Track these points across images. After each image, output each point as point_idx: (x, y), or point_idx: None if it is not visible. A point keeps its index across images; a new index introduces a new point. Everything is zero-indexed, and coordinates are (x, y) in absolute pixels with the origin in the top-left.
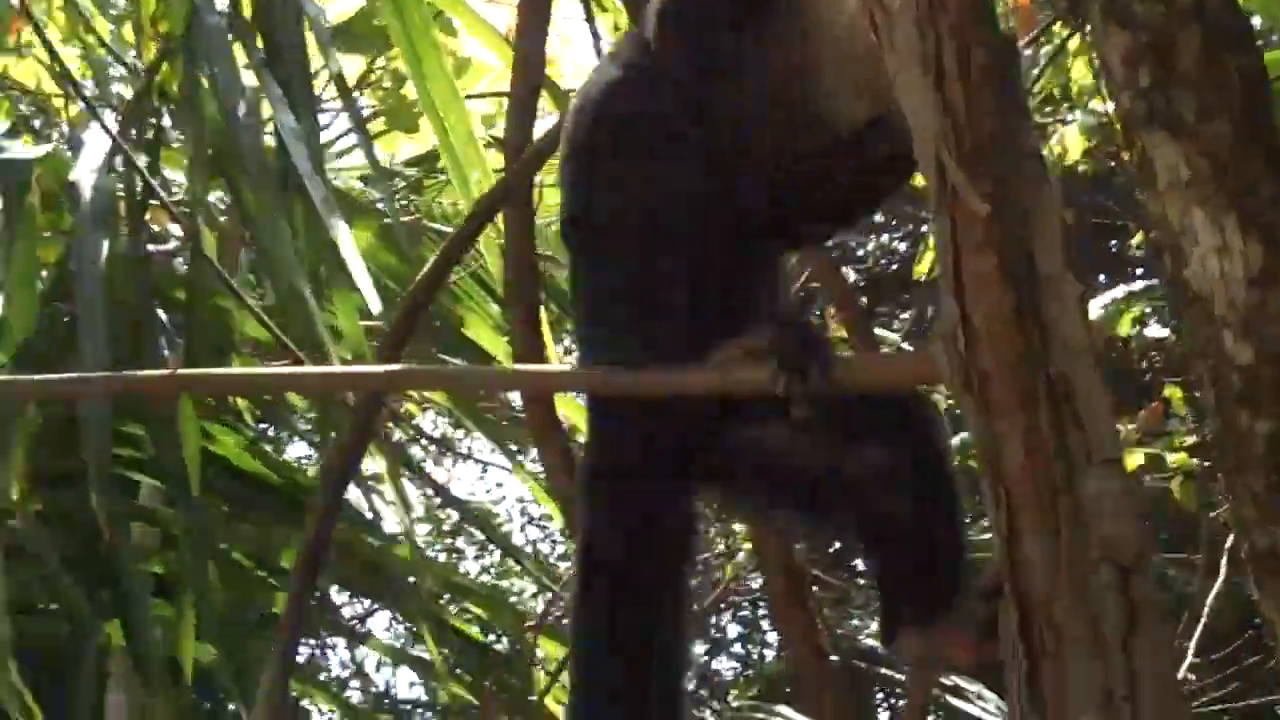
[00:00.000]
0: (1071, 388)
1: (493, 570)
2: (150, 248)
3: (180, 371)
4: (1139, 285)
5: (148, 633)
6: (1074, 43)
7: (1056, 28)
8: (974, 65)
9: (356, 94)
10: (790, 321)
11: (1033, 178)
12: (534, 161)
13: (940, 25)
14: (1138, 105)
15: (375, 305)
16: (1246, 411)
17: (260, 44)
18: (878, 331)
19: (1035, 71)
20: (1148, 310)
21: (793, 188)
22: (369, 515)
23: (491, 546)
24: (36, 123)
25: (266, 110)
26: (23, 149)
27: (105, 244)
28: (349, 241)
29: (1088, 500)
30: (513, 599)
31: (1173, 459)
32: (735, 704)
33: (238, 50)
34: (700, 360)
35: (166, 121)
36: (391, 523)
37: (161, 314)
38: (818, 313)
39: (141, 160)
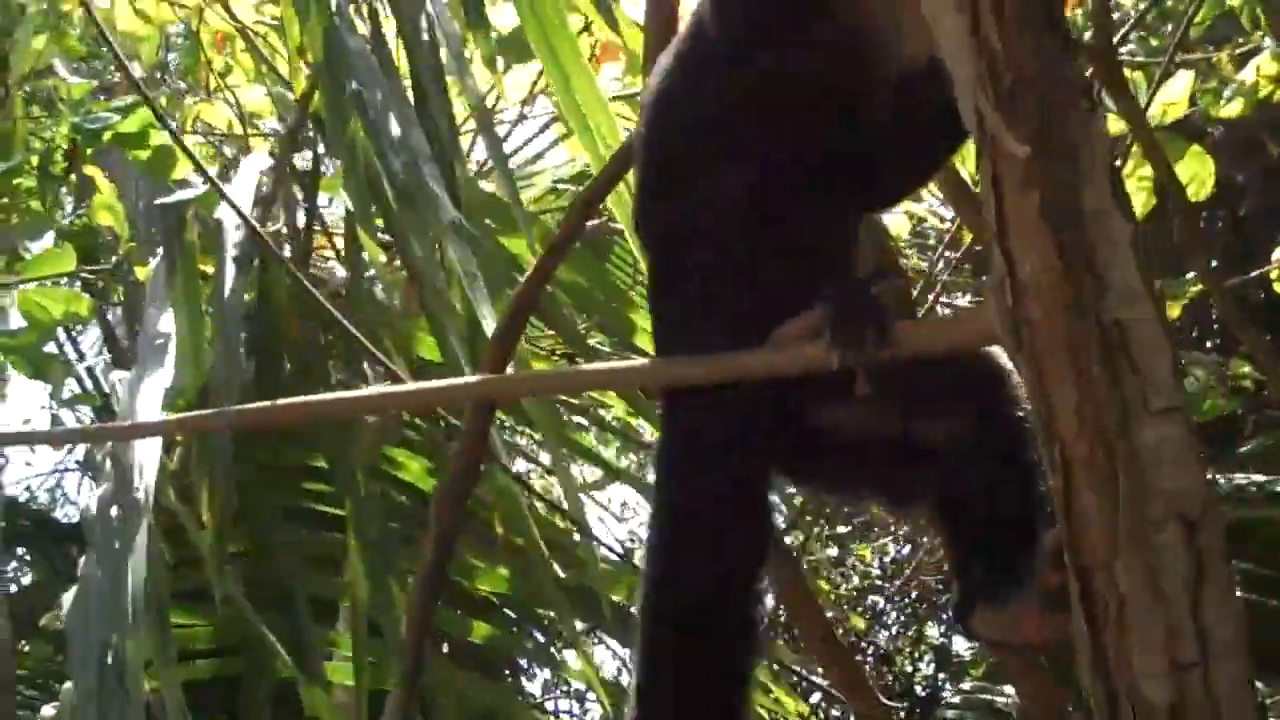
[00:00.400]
0: (1126, 334)
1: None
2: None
3: (281, 402)
4: None
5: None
6: None
7: None
8: (1009, 5)
9: (531, 103)
10: (845, 289)
11: (1078, 115)
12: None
13: None
14: None
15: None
16: None
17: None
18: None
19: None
20: None
21: (860, 139)
22: None
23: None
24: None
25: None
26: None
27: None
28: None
29: (1146, 450)
30: None
31: None
32: (968, 686)
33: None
34: (762, 341)
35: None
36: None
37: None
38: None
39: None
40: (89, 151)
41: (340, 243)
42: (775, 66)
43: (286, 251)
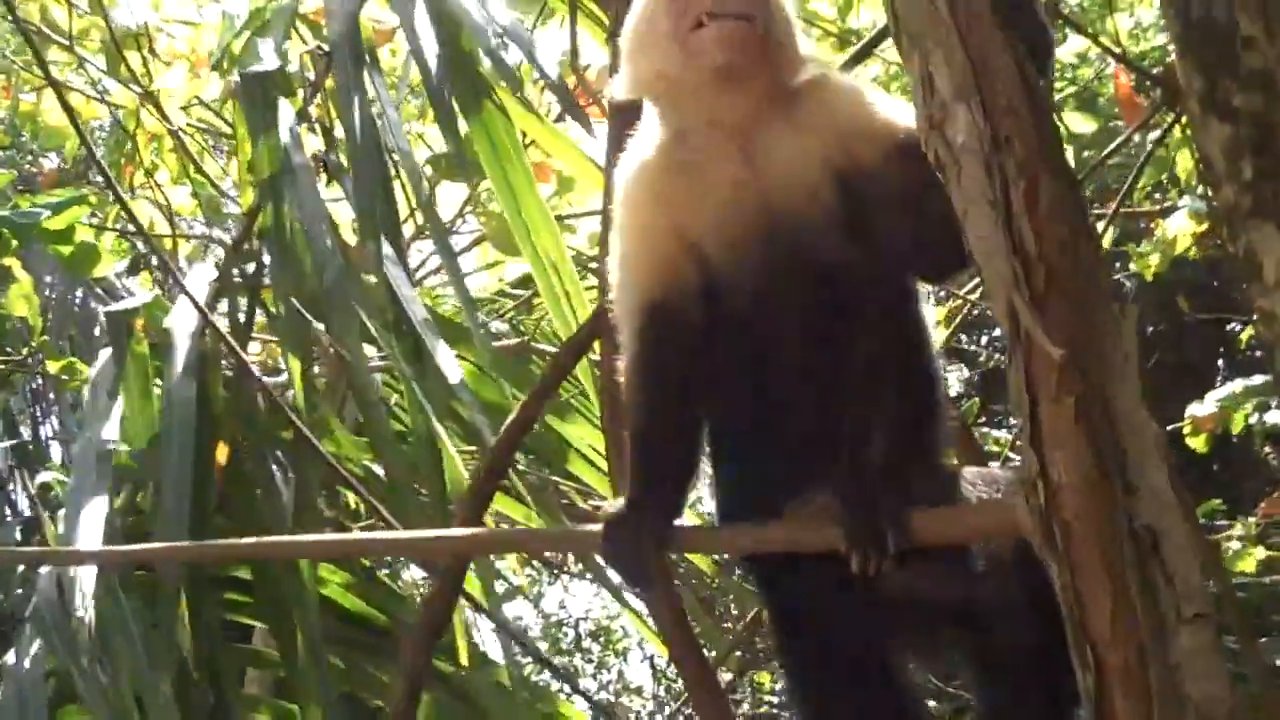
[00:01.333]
0: (1158, 539)
1: (611, 687)
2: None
3: (265, 540)
4: (1257, 379)
5: None
6: (1179, 130)
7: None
8: (1042, 201)
9: (463, 219)
10: (857, 484)
11: (1107, 315)
12: None
13: (1007, 164)
14: (1242, 199)
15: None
16: None
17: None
18: (987, 431)
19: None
20: (1272, 404)
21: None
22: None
23: (610, 661)
24: (154, 260)
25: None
26: (139, 287)
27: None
28: (450, 361)
29: (1179, 659)
30: (631, 716)
31: None
32: None
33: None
34: (777, 514)
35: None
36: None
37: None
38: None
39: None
40: (14, 244)
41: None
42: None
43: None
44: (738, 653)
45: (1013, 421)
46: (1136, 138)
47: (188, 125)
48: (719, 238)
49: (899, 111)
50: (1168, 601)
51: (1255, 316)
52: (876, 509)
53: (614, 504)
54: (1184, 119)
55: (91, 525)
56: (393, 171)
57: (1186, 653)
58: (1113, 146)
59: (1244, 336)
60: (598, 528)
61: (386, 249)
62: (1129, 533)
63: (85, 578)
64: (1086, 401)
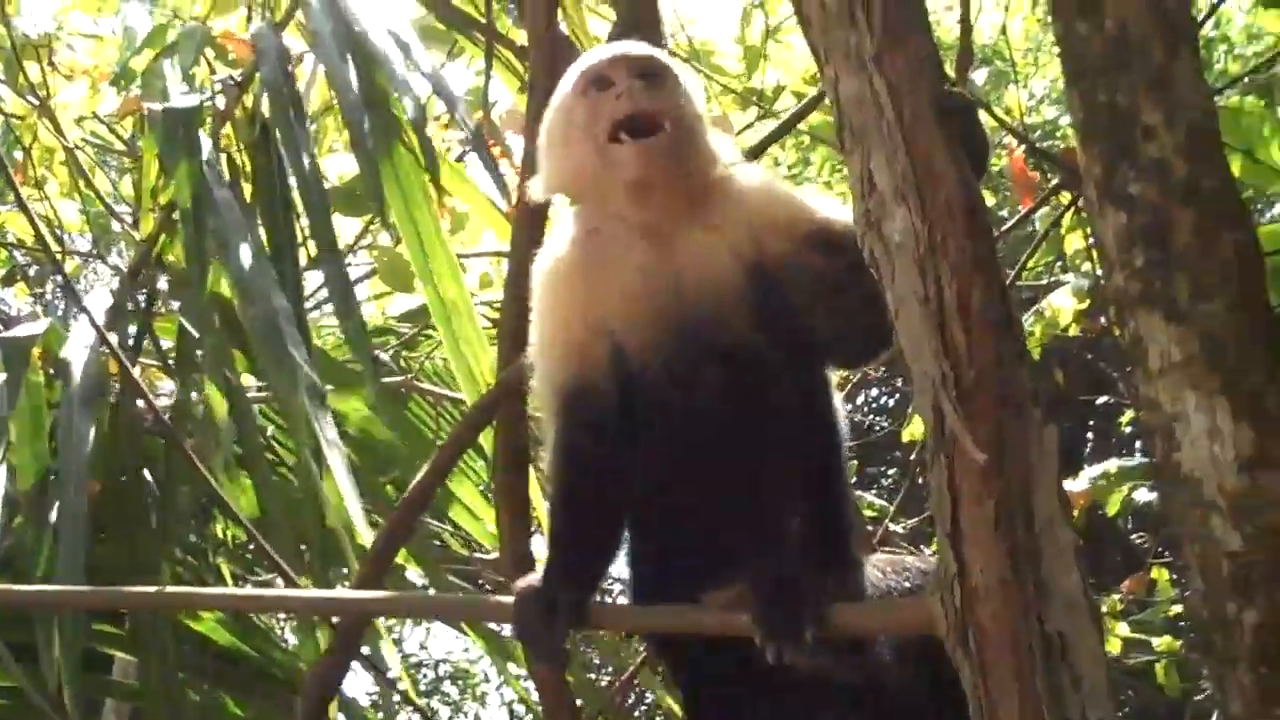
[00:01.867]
0: (1068, 644)
1: None
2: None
3: (167, 590)
4: (1131, 461)
5: None
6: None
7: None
8: (974, 306)
9: (354, 253)
10: (775, 573)
11: (1030, 420)
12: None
13: (941, 266)
14: (1132, 285)
15: (360, 523)
16: (1235, 601)
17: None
18: (861, 495)
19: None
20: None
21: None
22: None
23: (467, 705)
24: (32, 271)
25: None
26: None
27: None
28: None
29: None
30: None
31: (1158, 643)
32: None
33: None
34: (693, 597)
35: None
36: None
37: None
38: None
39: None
40: None
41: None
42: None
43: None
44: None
45: (891, 480)
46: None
47: (80, 140)
48: (632, 327)
49: (812, 203)
50: (1074, 706)
51: (1139, 403)
52: (795, 600)
53: (528, 578)
54: (1079, 201)
55: None
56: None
57: None
58: (1008, 226)
59: (1123, 420)
60: (509, 599)
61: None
62: (1040, 636)
63: None
64: (1006, 505)
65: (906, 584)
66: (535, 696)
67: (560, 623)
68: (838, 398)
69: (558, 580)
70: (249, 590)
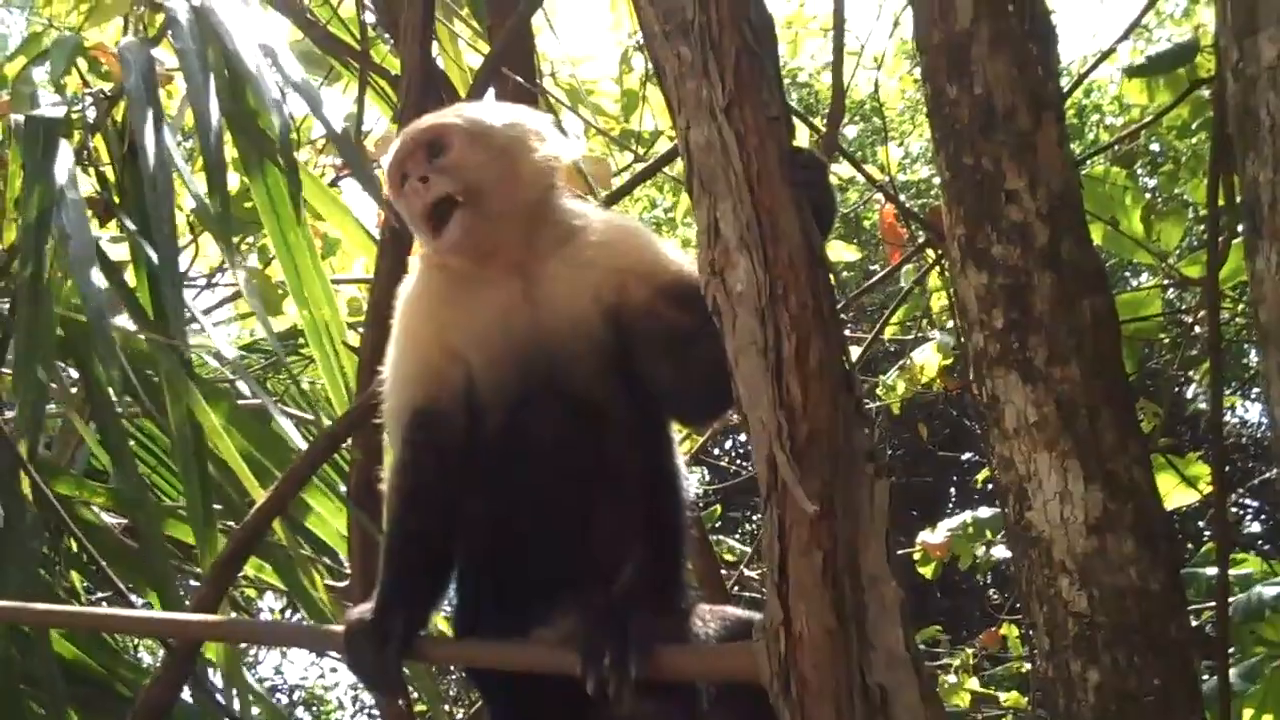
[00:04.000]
0: (888, 697)
1: None
2: None
3: (2, 605)
4: (985, 512)
5: None
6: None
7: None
8: (812, 359)
9: (222, 273)
10: (604, 613)
11: (862, 474)
12: None
13: (781, 317)
14: (991, 346)
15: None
16: (1079, 660)
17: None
18: (721, 539)
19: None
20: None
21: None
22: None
23: None
24: None
25: None
26: None
27: None
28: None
29: None
30: None
31: (1005, 697)
32: None
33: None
34: (522, 635)
35: None
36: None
37: None
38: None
39: None
40: None
41: None
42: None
43: None
44: None
45: (754, 524)
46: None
47: None
48: (485, 356)
49: (676, 256)
50: None
51: (993, 460)
52: (622, 638)
53: (360, 608)
54: (944, 260)
55: None
56: None
57: None
58: (873, 281)
59: (980, 477)
60: (340, 628)
61: None
62: (861, 689)
63: None
64: (834, 557)
65: (727, 632)
66: None
67: (393, 652)
68: (680, 454)
69: (389, 608)
70: (82, 609)
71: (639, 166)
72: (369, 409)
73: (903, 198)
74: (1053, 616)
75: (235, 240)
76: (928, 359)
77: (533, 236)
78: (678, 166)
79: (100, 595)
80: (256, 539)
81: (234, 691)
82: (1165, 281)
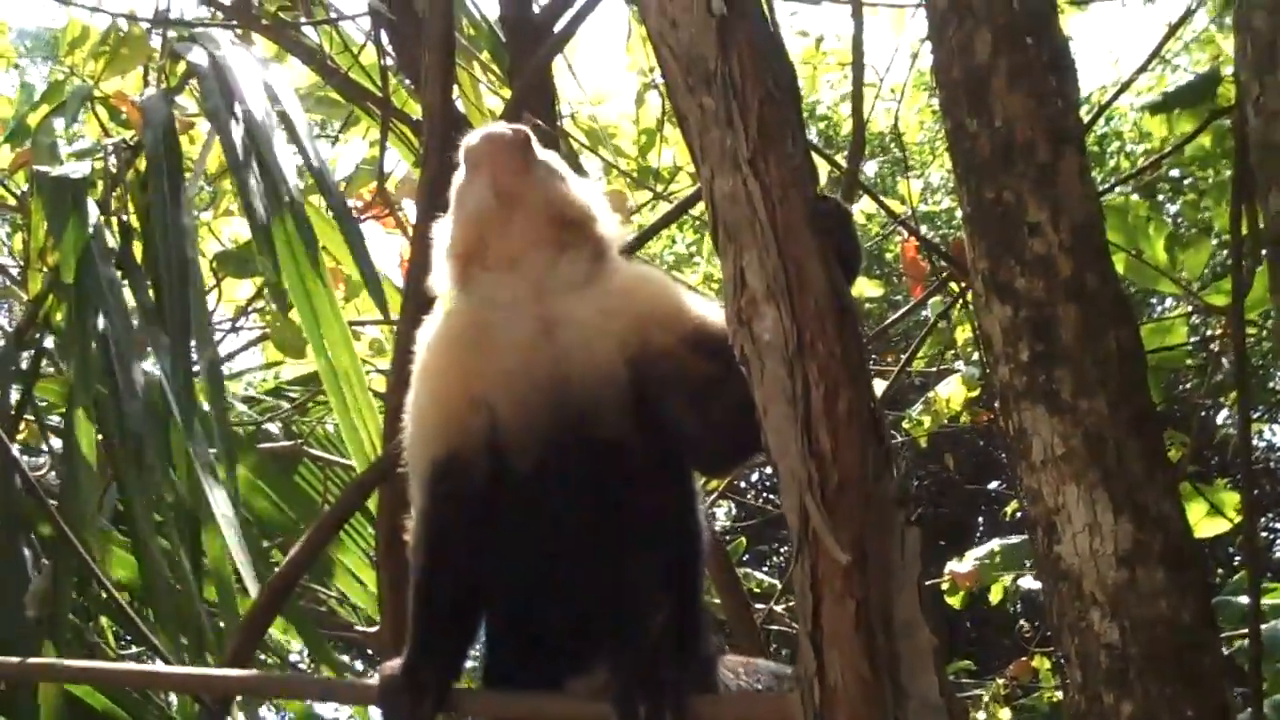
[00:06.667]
0: None
1: None
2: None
3: (34, 661)
4: (1014, 539)
5: None
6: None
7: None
8: (841, 408)
9: (244, 317)
10: (637, 664)
11: (893, 522)
12: None
13: (809, 366)
14: (1017, 378)
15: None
16: (1112, 692)
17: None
18: (749, 573)
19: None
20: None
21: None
22: None
23: None
24: None
25: None
26: None
27: None
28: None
29: None
30: None
31: None
32: None
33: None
34: (554, 685)
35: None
36: None
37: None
38: None
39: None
40: None
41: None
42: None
43: None
44: None
45: (782, 557)
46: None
47: None
48: (509, 400)
49: (698, 304)
50: None
51: (1021, 492)
52: (657, 690)
53: (393, 663)
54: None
55: None
56: None
57: None
58: (897, 316)
59: (1010, 508)
60: (375, 681)
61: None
62: None
63: None
64: (868, 609)
65: (758, 684)
66: None
67: (428, 705)
68: (700, 502)
69: (421, 661)
70: (116, 665)
71: (658, 203)
72: (396, 457)
73: (924, 229)
74: (1084, 648)
75: (257, 283)
76: (953, 391)
77: (556, 268)
78: (699, 206)
79: (128, 639)
80: (289, 590)
81: None
82: (1190, 309)
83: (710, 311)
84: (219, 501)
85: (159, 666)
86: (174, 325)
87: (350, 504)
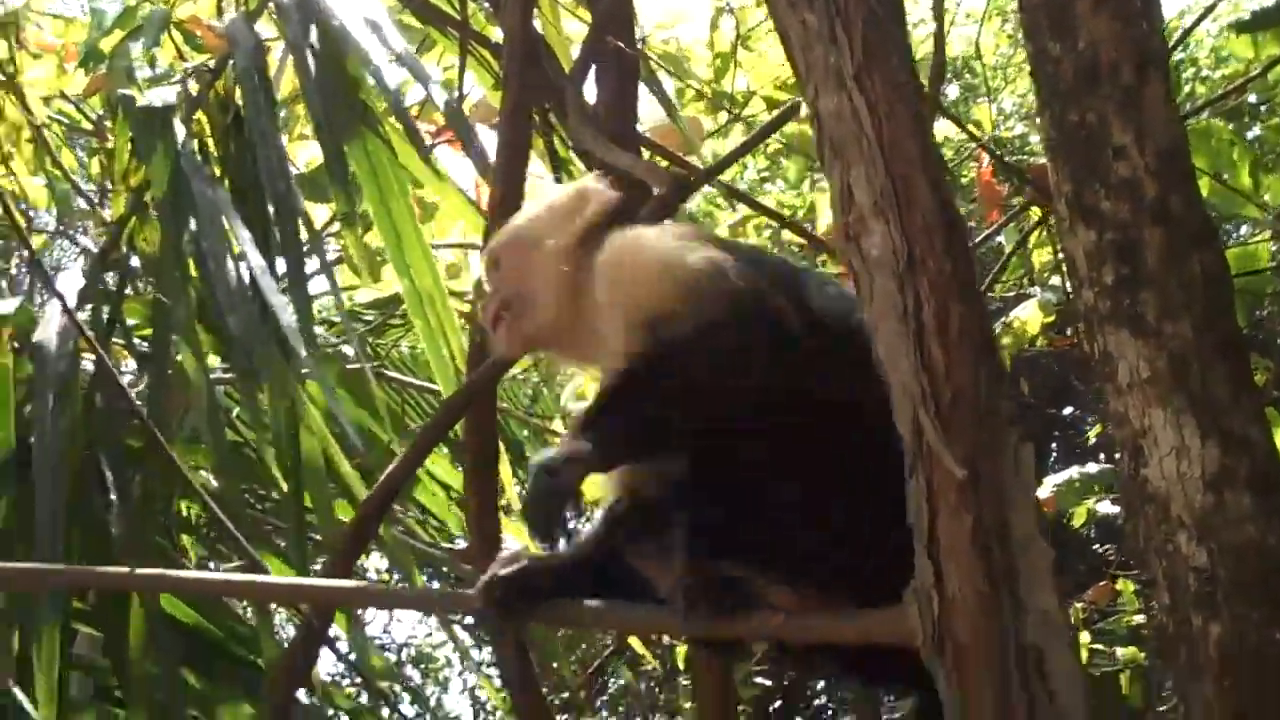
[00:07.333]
0: (1044, 658)
1: (427, 716)
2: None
3: (140, 572)
4: (1092, 468)
5: None
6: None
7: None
8: (953, 324)
9: (322, 240)
10: (702, 572)
11: (1007, 438)
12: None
13: (920, 282)
14: (1101, 302)
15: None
16: (1200, 615)
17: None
18: None
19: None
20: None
21: None
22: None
23: (428, 690)
24: None
25: None
26: None
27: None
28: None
29: None
30: None
31: (1121, 653)
32: None
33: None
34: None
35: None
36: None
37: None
38: None
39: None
40: None
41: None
42: None
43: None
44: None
45: None
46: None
47: (48, 118)
48: None
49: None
50: (1048, 719)
51: (1107, 417)
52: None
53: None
54: (1049, 217)
55: None
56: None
57: None
58: (978, 240)
59: (1092, 434)
60: (473, 592)
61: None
62: (1016, 649)
63: None
64: (983, 520)
65: None
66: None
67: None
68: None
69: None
70: (221, 575)
71: (732, 127)
72: (485, 378)
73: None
74: (1172, 572)
75: (333, 207)
76: (1030, 316)
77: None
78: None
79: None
80: (388, 504)
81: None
82: (1272, 234)
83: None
84: (316, 414)
85: (266, 577)
86: (285, 235)
87: (445, 422)
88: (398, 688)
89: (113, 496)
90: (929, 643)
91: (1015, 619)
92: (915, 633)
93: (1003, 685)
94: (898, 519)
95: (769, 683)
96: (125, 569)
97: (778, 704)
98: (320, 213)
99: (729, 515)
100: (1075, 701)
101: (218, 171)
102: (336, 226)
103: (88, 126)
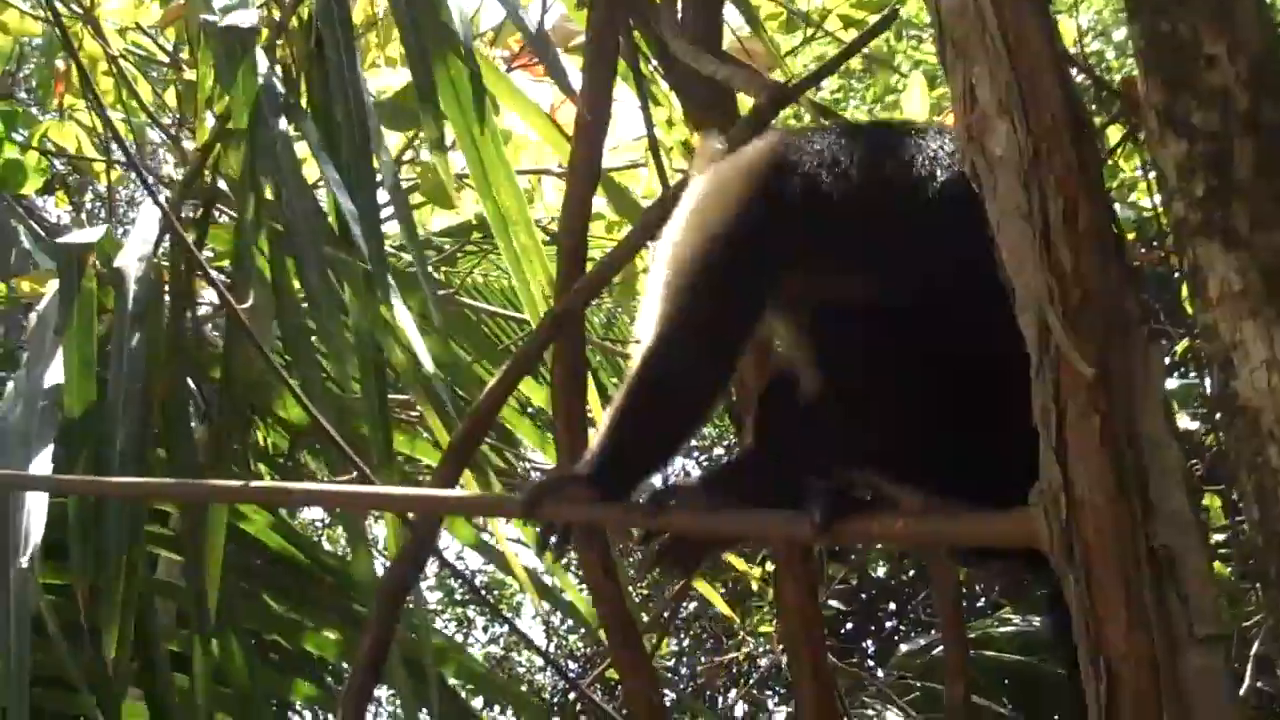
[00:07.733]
0: (1175, 560)
1: (501, 641)
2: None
3: (216, 483)
4: (1172, 383)
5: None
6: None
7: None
8: (1080, 220)
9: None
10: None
11: (1136, 338)
12: (595, 285)
13: (1045, 179)
14: (1192, 215)
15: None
16: None
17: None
18: None
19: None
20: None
21: None
22: None
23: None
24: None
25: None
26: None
27: (141, 333)
28: (411, 325)
29: (1189, 679)
30: (520, 669)
31: None
32: None
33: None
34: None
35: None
36: None
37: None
38: None
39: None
40: None
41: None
42: None
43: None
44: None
45: None
46: None
47: (124, 50)
48: None
49: None
50: (1181, 621)
51: (1197, 331)
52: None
53: None
54: (1130, 134)
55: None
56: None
57: (1197, 672)
58: None
59: (1180, 348)
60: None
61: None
62: (1146, 552)
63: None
64: (1112, 421)
65: None
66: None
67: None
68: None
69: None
70: (330, 486)
71: (808, 45)
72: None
73: (1074, 72)
74: (1261, 485)
75: (406, 136)
76: None
77: None
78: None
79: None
80: (489, 423)
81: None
82: None
83: None
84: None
85: (371, 487)
86: (358, 160)
87: (536, 348)
88: (472, 613)
89: (193, 424)
90: (1056, 546)
91: (1146, 521)
92: (1042, 535)
93: (1132, 588)
94: (1022, 420)
95: (843, 606)
96: (205, 482)
97: (848, 626)
98: (392, 139)
99: (859, 422)
100: (1207, 603)
101: (303, 102)
102: (408, 155)
103: (163, 59)
